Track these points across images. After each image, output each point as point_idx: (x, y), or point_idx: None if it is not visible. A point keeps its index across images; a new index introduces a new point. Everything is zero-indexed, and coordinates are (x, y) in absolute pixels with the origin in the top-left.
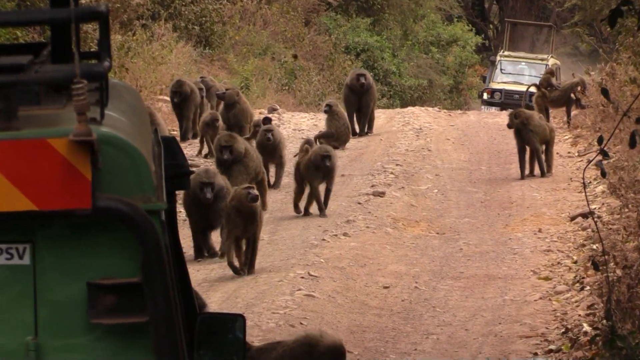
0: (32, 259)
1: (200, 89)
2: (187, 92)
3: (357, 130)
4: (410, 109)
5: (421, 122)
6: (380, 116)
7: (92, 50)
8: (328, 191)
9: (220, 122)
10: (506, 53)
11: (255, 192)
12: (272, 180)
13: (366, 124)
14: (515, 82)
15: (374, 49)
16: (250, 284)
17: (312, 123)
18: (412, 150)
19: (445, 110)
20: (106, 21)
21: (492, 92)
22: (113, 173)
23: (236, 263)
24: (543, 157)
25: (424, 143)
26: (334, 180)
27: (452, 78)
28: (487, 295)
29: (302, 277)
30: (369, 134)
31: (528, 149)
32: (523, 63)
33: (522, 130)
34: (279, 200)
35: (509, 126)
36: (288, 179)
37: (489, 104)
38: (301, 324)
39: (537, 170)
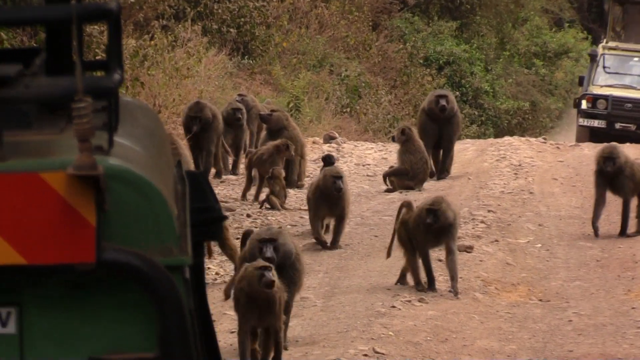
0: (18, 326)
1: (237, 111)
2: (209, 118)
3: (433, 169)
4: (507, 139)
5: (521, 156)
6: (469, 148)
7: (98, 59)
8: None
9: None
10: (612, 44)
11: (271, 275)
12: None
13: (447, 162)
14: (626, 86)
15: (460, 61)
16: None
17: (380, 156)
18: (508, 192)
19: (552, 142)
20: (117, 22)
21: (594, 99)
22: (124, 217)
23: None
24: None
25: (524, 184)
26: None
27: (561, 100)
28: None
29: (366, 355)
30: (445, 177)
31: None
32: (637, 59)
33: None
34: (336, 255)
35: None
36: (351, 233)
37: (589, 115)
38: None
39: None
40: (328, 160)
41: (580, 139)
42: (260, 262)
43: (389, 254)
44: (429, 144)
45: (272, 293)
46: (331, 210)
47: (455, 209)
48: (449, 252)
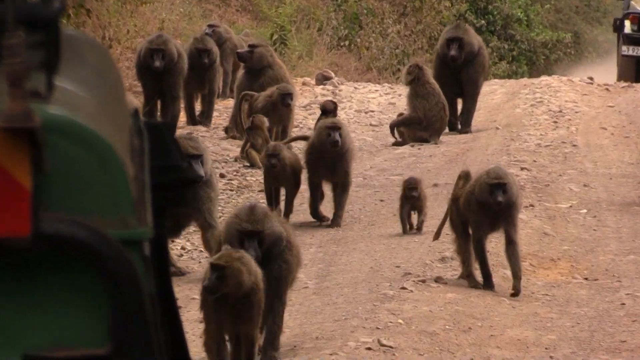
0: None
1: (203, 54)
2: (174, 56)
3: (454, 122)
4: (544, 79)
5: (561, 100)
6: (497, 91)
7: None
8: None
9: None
10: None
11: (255, 265)
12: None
13: (471, 113)
14: None
15: None
16: (284, 358)
17: (386, 100)
18: (546, 145)
19: (600, 83)
20: None
21: None
22: (67, 180)
23: None
24: None
25: (565, 135)
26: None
27: (611, 30)
28: None
29: (369, 349)
30: (467, 132)
31: None
32: None
33: None
34: (331, 231)
35: None
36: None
37: (635, 41)
38: None
39: None
40: (327, 108)
41: (624, 73)
42: (241, 252)
43: (437, 236)
44: (448, 93)
45: (254, 293)
46: (330, 174)
47: (516, 182)
48: (510, 242)
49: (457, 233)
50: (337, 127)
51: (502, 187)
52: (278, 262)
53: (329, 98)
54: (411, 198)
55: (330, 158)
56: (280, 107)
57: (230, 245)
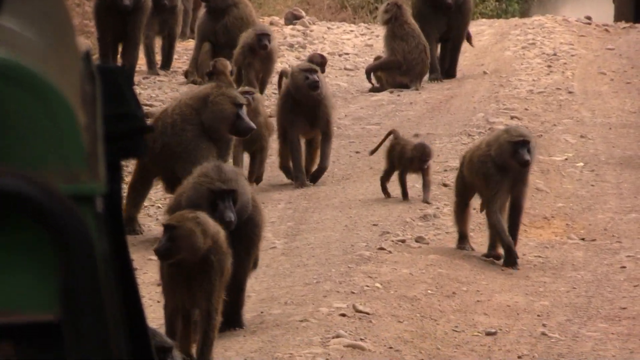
0: None
1: None
2: None
3: (437, 66)
4: (537, 18)
5: (556, 42)
6: (485, 32)
7: None
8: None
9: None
10: None
11: (213, 226)
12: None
13: (455, 61)
14: None
15: None
16: (250, 325)
17: (362, 42)
18: (539, 92)
19: (599, 23)
20: None
21: None
22: (11, 130)
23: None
24: None
25: (560, 80)
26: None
27: None
28: None
29: (344, 315)
30: (451, 77)
31: None
32: None
33: None
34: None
35: None
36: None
37: None
38: None
39: None
40: (315, 61)
41: (621, 12)
42: (196, 213)
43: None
44: (431, 36)
45: (215, 259)
46: (309, 124)
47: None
48: (515, 207)
49: (460, 196)
50: (314, 70)
51: (526, 145)
52: (249, 226)
53: (318, 52)
54: (418, 169)
55: (308, 106)
56: (258, 50)
57: (198, 208)
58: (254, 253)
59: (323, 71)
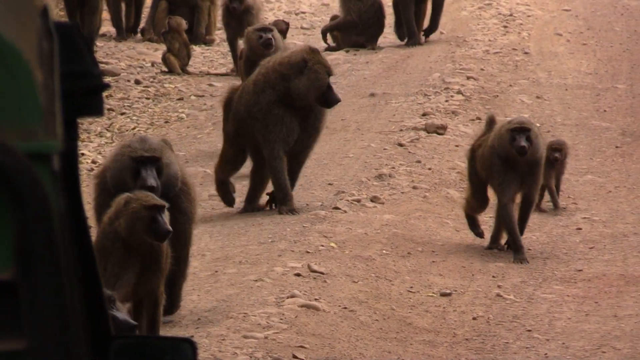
0: None
1: None
2: None
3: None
4: None
5: (512, 3)
6: None
7: None
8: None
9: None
10: None
11: (166, 222)
12: None
13: (437, 19)
14: None
15: None
16: (204, 285)
17: (318, 1)
18: (495, 52)
19: None
20: None
21: None
22: None
23: None
24: None
25: (516, 40)
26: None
27: None
28: (624, 312)
29: (298, 275)
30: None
31: None
32: None
33: None
34: None
35: None
36: None
37: None
38: (295, 357)
39: None
40: (279, 28)
41: None
42: (149, 198)
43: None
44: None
45: (160, 246)
46: None
47: (544, 138)
48: (526, 201)
49: (474, 187)
50: (268, 29)
51: (525, 133)
52: (174, 212)
53: (282, 19)
54: (554, 161)
55: None
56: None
57: (121, 182)
58: (190, 232)
59: (285, 37)
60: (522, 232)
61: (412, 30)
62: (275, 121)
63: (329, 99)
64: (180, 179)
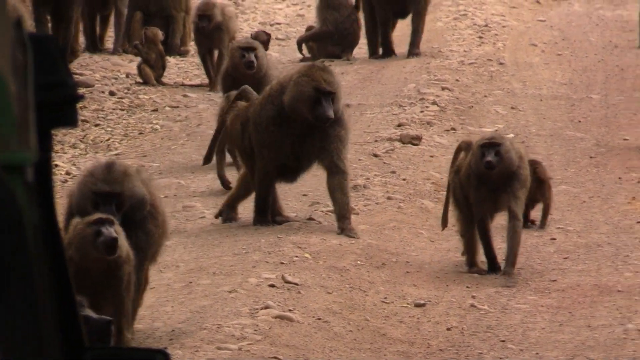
0: None
1: None
2: None
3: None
4: None
5: (487, 13)
6: None
7: None
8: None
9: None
10: None
11: (113, 232)
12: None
13: (420, 32)
14: None
15: None
16: (178, 296)
17: (294, 12)
18: (470, 63)
19: None
20: None
21: None
22: None
23: None
24: None
25: (492, 51)
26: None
27: None
28: (598, 322)
29: (272, 286)
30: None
31: None
32: None
33: None
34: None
35: None
36: None
37: None
38: None
39: None
40: (260, 39)
41: None
42: (95, 215)
43: (444, 224)
44: (386, 10)
45: (115, 261)
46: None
47: (522, 150)
48: (511, 218)
49: (461, 213)
50: (252, 48)
51: (493, 148)
52: (137, 232)
53: (262, 29)
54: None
55: (248, 84)
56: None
57: (83, 210)
58: (144, 261)
59: (267, 49)
60: (513, 249)
61: (387, 46)
62: (270, 140)
63: (317, 115)
64: (149, 202)
